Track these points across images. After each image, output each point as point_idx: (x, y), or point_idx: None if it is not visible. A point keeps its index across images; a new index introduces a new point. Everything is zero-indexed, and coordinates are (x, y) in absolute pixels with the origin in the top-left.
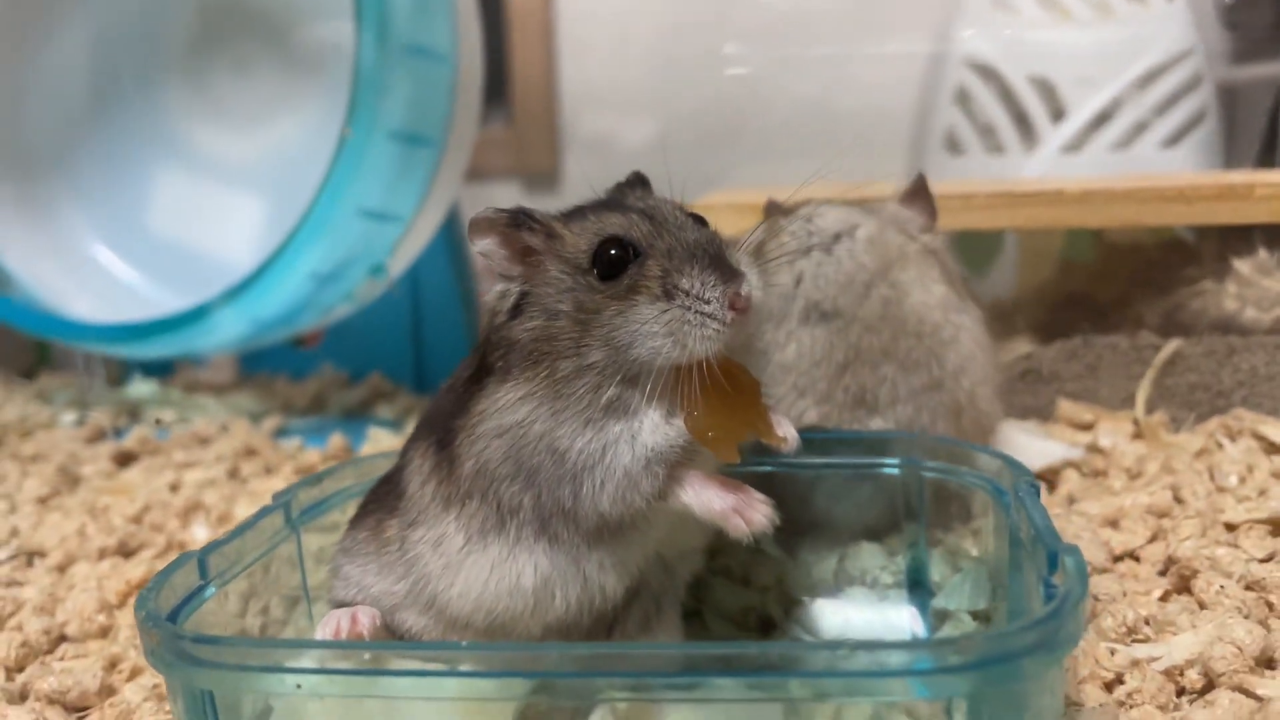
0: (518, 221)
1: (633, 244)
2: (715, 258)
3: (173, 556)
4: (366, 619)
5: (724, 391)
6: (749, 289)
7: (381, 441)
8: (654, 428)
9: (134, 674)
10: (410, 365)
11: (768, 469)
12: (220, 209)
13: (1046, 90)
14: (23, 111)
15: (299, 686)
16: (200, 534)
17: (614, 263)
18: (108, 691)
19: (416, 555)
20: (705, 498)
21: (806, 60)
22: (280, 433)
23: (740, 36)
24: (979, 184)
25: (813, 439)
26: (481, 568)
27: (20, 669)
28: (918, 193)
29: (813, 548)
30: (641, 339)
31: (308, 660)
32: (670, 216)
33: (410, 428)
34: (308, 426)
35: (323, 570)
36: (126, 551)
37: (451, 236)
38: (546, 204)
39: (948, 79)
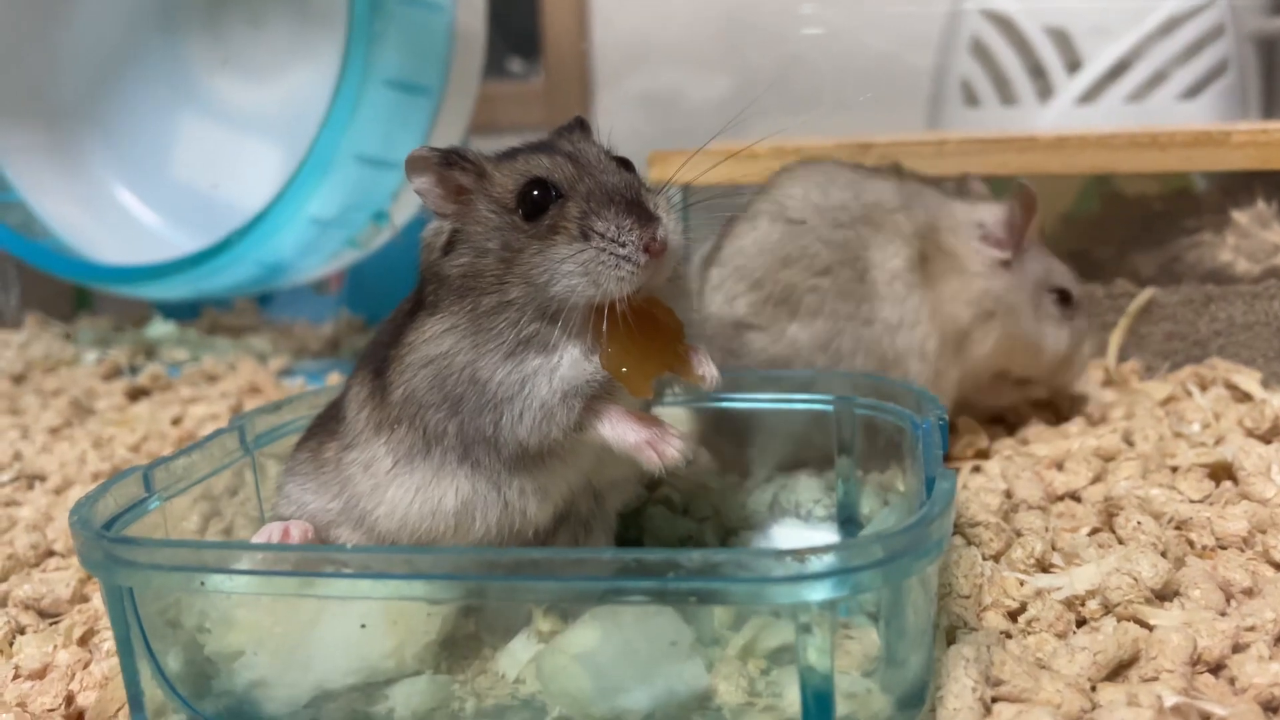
0: (450, 160)
1: (555, 186)
2: (633, 202)
3: None
4: (297, 531)
5: (641, 330)
6: (664, 233)
7: None
8: (572, 363)
9: None
10: None
11: (706, 406)
12: (239, 157)
13: (1063, 40)
14: (54, 64)
15: (202, 584)
16: None
17: (536, 203)
18: (80, 599)
19: (349, 476)
20: (620, 431)
21: (850, 12)
22: (286, 373)
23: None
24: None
25: (744, 377)
26: (407, 489)
27: (4, 579)
28: (1017, 208)
29: (752, 480)
30: (559, 277)
31: (227, 562)
32: (595, 160)
33: None
34: (316, 368)
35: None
36: None
37: None
38: None
39: (965, 30)
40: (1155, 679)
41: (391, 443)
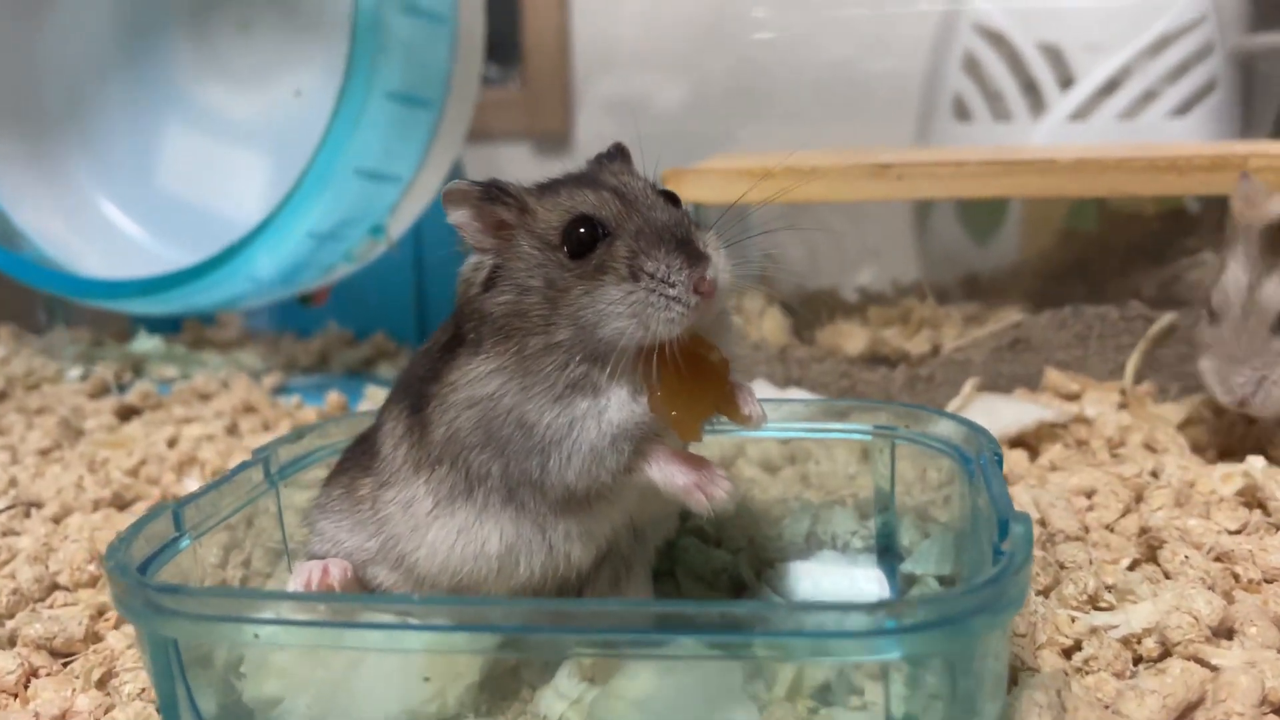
0: (491, 195)
1: (602, 223)
2: (682, 240)
3: None
4: (337, 571)
5: (689, 372)
6: (714, 273)
7: (379, 400)
8: (620, 405)
9: (119, 622)
10: (413, 325)
11: (741, 436)
12: (228, 168)
13: (1055, 57)
14: (34, 71)
15: (256, 636)
16: (193, 488)
17: (583, 242)
18: (93, 638)
19: (387, 515)
20: (669, 473)
21: (827, 22)
22: (280, 390)
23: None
24: (971, 151)
25: (782, 404)
26: (449, 531)
27: (10, 615)
28: None
29: (785, 510)
30: (607, 319)
31: (272, 611)
32: (641, 196)
33: None
34: (309, 384)
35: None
36: (121, 504)
37: None
38: (556, 166)
39: (957, 45)
40: None
41: (432, 482)
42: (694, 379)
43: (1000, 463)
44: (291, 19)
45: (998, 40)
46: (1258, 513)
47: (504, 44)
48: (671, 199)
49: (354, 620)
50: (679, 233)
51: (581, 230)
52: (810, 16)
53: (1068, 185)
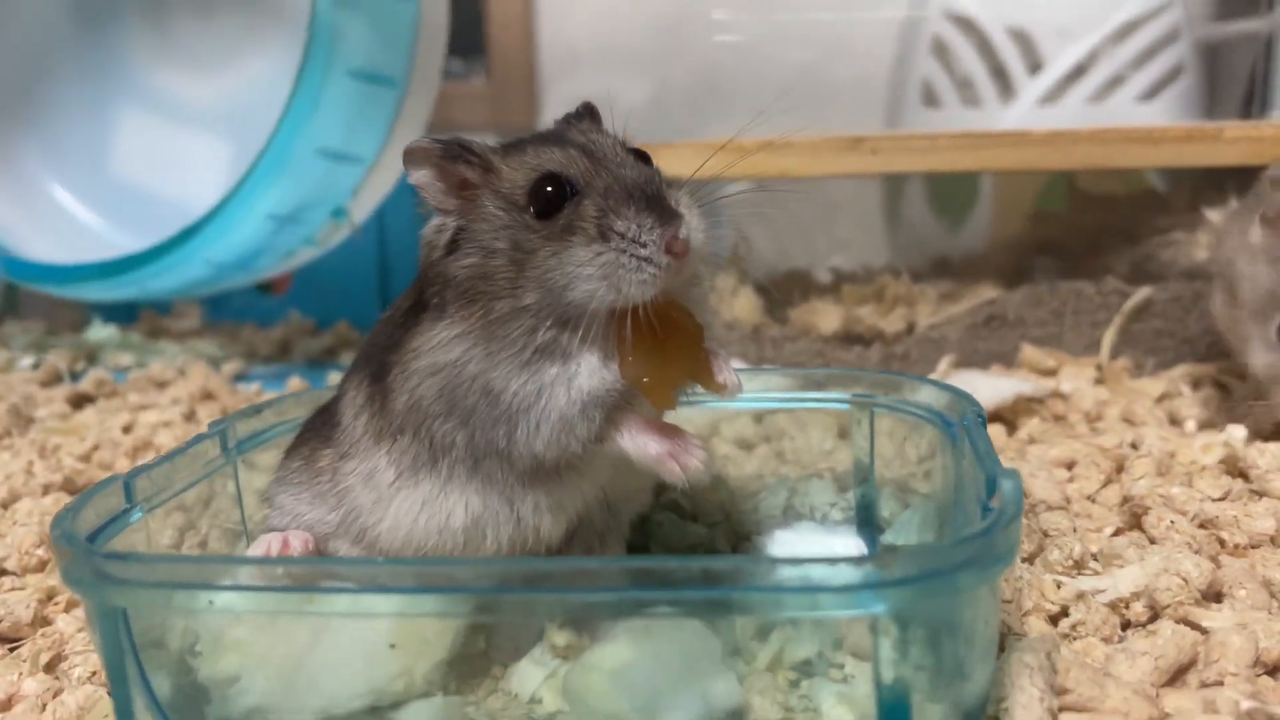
0: (453, 153)
1: (569, 181)
2: (653, 198)
3: None
4: (298, 542)
5: (662, 337)
6: (687, 232)
7: None
8: (591, 371)
9: (69, 606)
10: (377, 313)
11: (715, 406)
12: (184, 153)
13: (1024, 42)
14: None
15: (211, 603)
16: None
17: (550, 201)
18: (41, 622)
19: (348, 487)
20: (641, 442)
21: (790, 23)
22: (240, 378)
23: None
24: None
25: (757, 375)
26: (412, 503)
27: None
28: None
29: (761, 485)
30: (576, 282)
31: (229, 579)
32: (610, 153)
33: None
34: (270, 373)
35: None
36: (73, 489)
37: None
38: None
39: (926, 31)
40: (1219, 683)
41: (394, 453)
42: (667, 344)
43: (984, 422)
44: (252, 2)
45: (967, 25)
46: (1239, 481)
47: (468, 37)
48: (642, 157)
49: (316, 585)
50: (649, 190)
51: (548, 189)
52: (771, 19)
53: (1041, 158)
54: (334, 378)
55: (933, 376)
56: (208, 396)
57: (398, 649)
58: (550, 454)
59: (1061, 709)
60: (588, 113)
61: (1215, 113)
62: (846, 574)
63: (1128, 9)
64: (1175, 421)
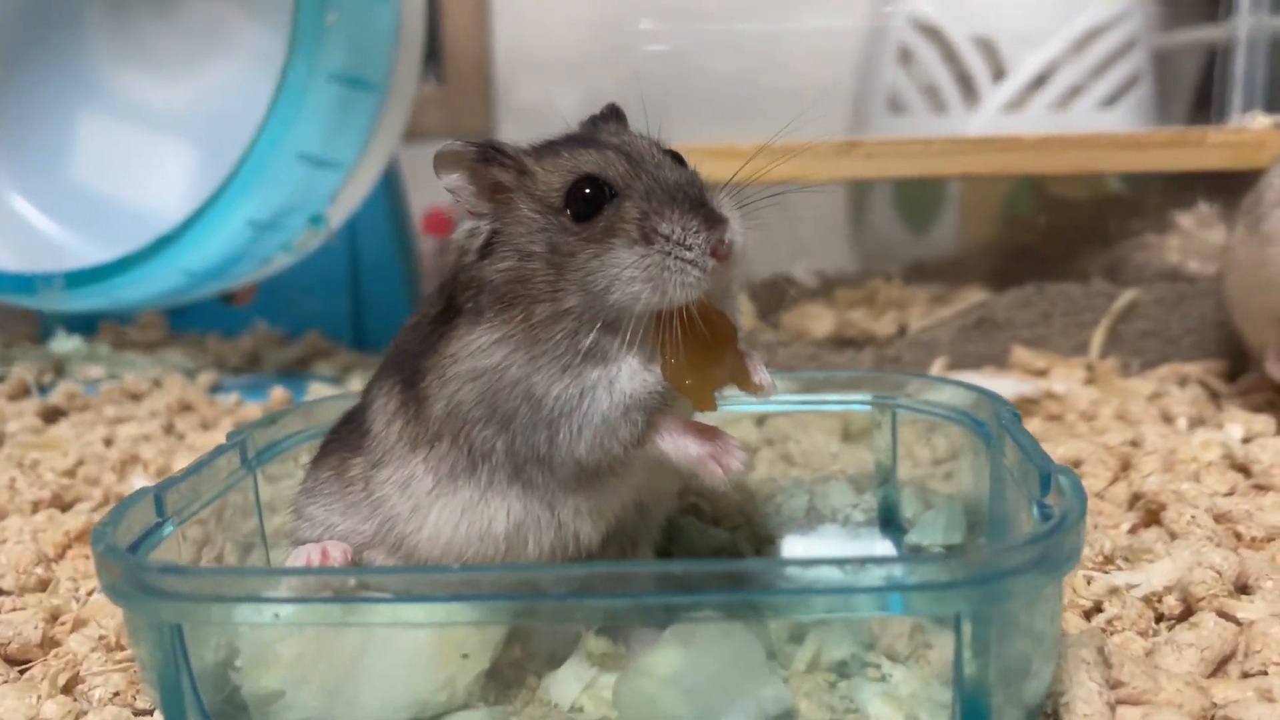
0: (487, 156)
1: (608, 183)
2: (697, 201)
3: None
4: (338, 553)
5: (702, 338)
6: (732, 235)
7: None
8: (632, 374)
9: (77, 625)
10: (349, 322)
11: (741, 409)
12: (148, 159)
13: (988, 49)
14: None
15: (276, 616)
16: (140, 485)
17: (588, 203)
18: (50, 643)
19: (383, 496)
20: (681, 445)
21: (732, 35)
22: (215, 389)
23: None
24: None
25: (784, 377)
26: (451, 511)
27: None
28: None
29: (777, 488)
30: (619, 284)
31: (289, 589)
32: (648, 154)
33: (351, 385)
34: (244, 384)
35: (276, 518)
36: (62, 505)
37: (391, 189)
38: None
39: (891, 39)
40: (1263, 673)
41: (431, 460)
42: (708, 346)
43: (1019, 420)
44: (220, 4)
45: (932, 33)
46: (1241, 476)
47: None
48: (678, 159)
49: (380, 595)
50: (692, 192)
51: (586, 191)
52: (700, 29)
53: (1035, 162)
54: (315, 388)
55: None
56: (186, 408)
57: (440, 659)
58: (592, 458)
59: (1117, 702)
60: (613, 114)
61: (1166, 120)
62: (932, 572)
63: (1087, 18)
64: (1168, 419)
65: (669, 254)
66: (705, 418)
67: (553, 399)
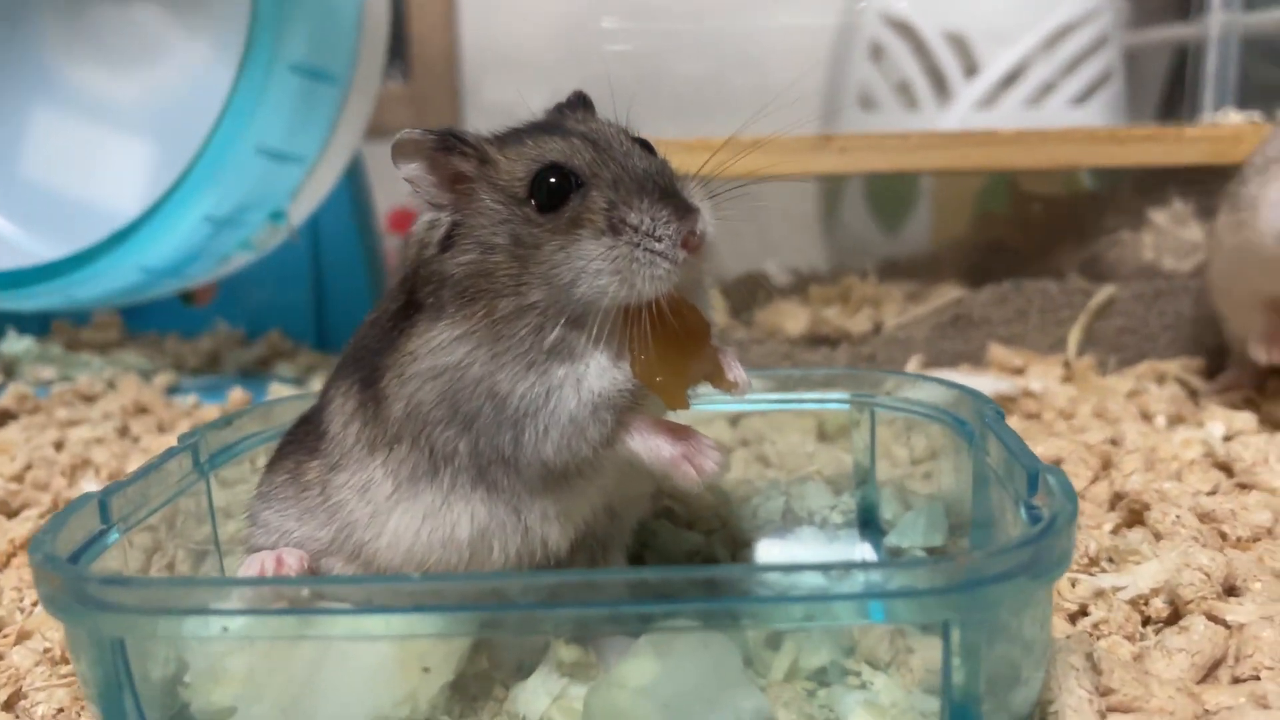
0: (447, 145)
1: (574, 172)
2: (667, 190)
3: None
4: (293, 560)
5: (673, 334)
6: (704, 226)
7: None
8: (600, 371)
9: (21, 638)
10: (311, 322)
11: (715, 409)
12: (102, 153)
13: (960, 46)
14: None
15: (225, 630)
16: (91, 490)
17: (554, 193)
18: None
19: (340, 501)
20: (653, 445)
21: (701, 33)
22: (173, 390)
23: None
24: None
25: (759, 375)
26: (412, 517)
27: None
28: None
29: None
30: (586, 277)
31: (232, 603)
32: (616, 142)
33: (314, 386)
34: (203, 385)
35: (231, 524)
36: (8, 511)
37: (355, 186)
38: None
39: (863, 35)
40: (1255, 678)
41: (390, 464)
42: (679, 342)
43: (1003, 418)
44: None
45: (904, 29)
46: (1222, 474)
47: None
48: (647, 147)
49: (340, 606)
50: (662, 182)
51: (551, 180)
52: (668, 27)
53: (1016, 156)
54: (276, 389)
55: None
56: (141, 410)
57: (402, 673)
58: (559, 459)
59: (1108, 710)
60: (581, 102)
61: (1137, 118)
62: (919, 578)
63: (1059, 15)
64: (1147, 417)
65: (638, 245)
66: (678, 416)
67: (517, 398)
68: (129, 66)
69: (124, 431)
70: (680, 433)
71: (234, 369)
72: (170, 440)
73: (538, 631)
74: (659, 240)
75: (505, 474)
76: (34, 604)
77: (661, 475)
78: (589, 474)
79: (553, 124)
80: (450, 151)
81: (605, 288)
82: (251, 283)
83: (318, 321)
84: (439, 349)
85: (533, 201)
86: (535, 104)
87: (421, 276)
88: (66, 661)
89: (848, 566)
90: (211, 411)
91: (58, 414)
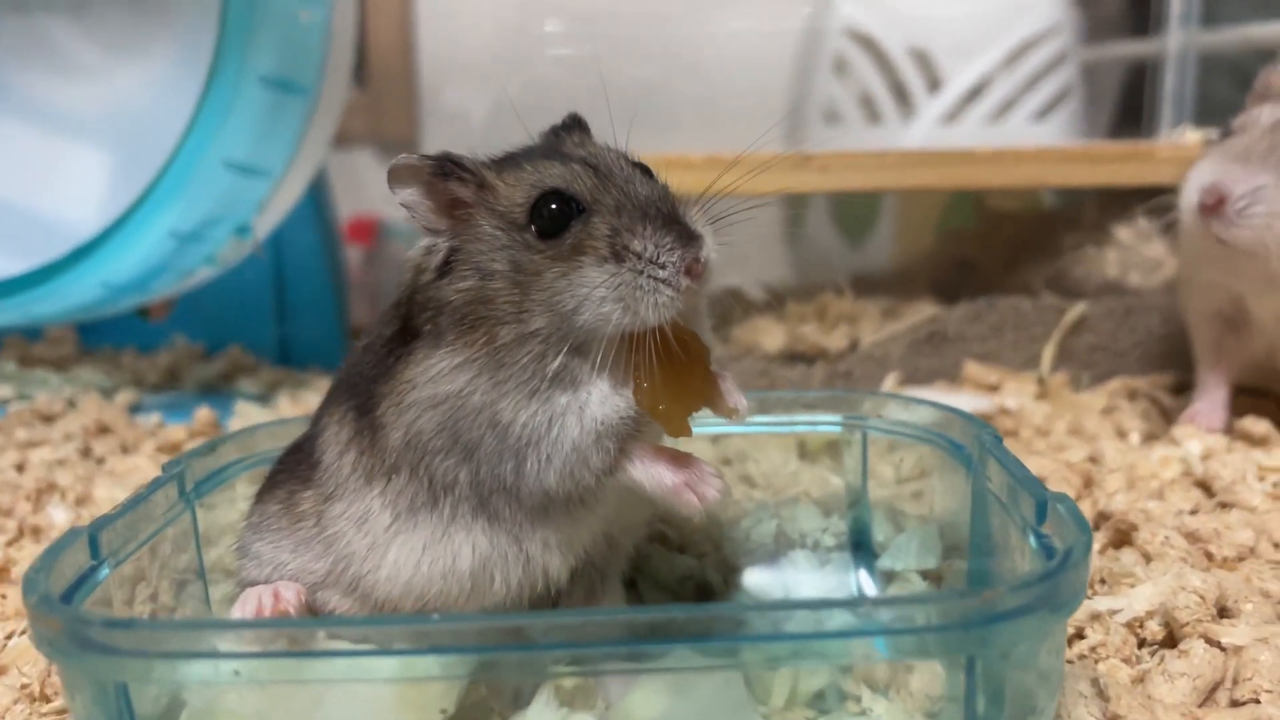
0: (445, 170)
1: (575, 198)
2: (670, 217)
3: (27, 542)
4: (291, 594)
5: (675, 361)
6: (707, 253)
7: (251, 416)
8: (603, 399)
9: None
10: (273, 337)
11: (708, 430)
12: (57, 165)
13: (924, 61)
14: None
15: (237, 674)
16: (59, 516)
17: (555, 219)
18: None
19: (337, 533)
20: (655, 473)
21: (650, 41)
22: (135, 409)
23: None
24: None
25: (750, 397)
26: (412, 548)
27: None
28: None
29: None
30: (589, 305)
31: (239, 645)
32: (616, 167)
33: (279, 403)
34: (165, 403)
35: (213, 551)
36: None
37: (317, 197)
38: None
39: (826, 48)
40: (1255, 700)
41: (389, 494)
42: (681, 369)
43: (1001, 442)
44: (135, 4)
45: (868, 43)
46: (1201, 493)
47: None
48: (646, 172)
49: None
50: (665, 208)
51: (552, 206)
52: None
53: (996, 175)
54: (242, 407)
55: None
56: (104, 430)
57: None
58: (562, 488)
59: None
60: (576, 124)
61: (1091, 133)
62: (944, 613)
63: (1020, 31)
64: (1121, 434)
65: (641, 273)
66: (678, 443)
67: (520, 426)
68: (86, 76)
69: (86, 452)
70: (681, 460)
71: (194, 385)
72: (136, 461)
73: (541, 674)
74: (663, 267)
75: (507, 503)
76: (8, 637)
77: (663, 503)
78: (590, 502)
79: (550, 148)
80: (448, 177)
81: (609, 315)
82: (210, 296)
83: (280, 336)
84: (439, 377)
85: (533, 227)
86: (480, 111)
87: (418, 302)
88: (47, 699)
89: (875, 602)
90: (177, 431)
91: (17, 434)
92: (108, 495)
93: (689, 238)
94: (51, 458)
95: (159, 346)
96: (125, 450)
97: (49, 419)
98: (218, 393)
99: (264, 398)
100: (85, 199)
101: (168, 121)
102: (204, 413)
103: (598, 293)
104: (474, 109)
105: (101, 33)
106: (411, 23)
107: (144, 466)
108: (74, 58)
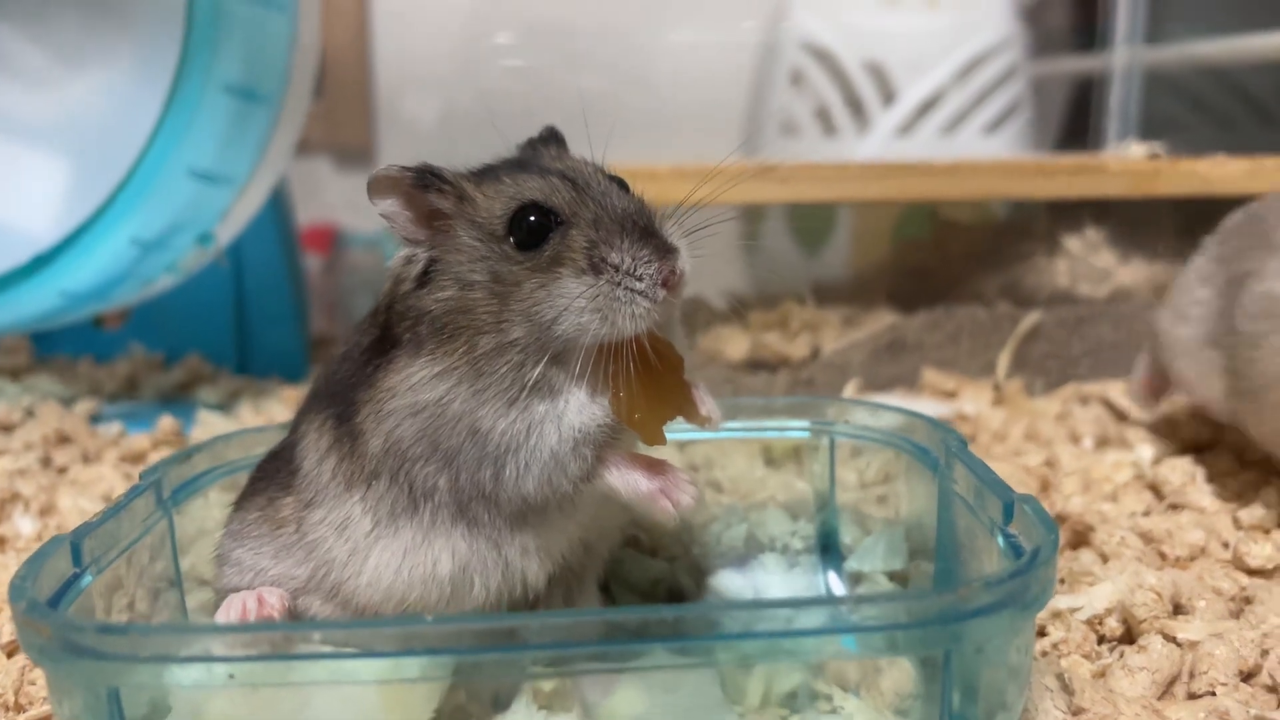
0: (424, 182)
1: (554, 211)
2: (647, 230)
3: None
4: (275, 599)
5: (651, 370)
6: (683, 265)
7: (213, 426)
8: (580, 408)
9: None
10: (232, 346)
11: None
12: (12, 174)
13: (878, 74)
14: None
15: (232, 677)
16: (26, 527)
17: (533, 231)
18: None
19: (318, 539)
20: (631, 480)
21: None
22: (95, 418)
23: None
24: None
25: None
26: (392, 554)
27: None
28: None
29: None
30: (567, 315)
31: (226, 648)
32: (594, 180)
33: (240, 413)
34: (125, 412)
35: (186, 559)
36: None
37: (278, 205)
38: (359, 181)
39: (783, 61)
40: (1211, 693)
41: (369, 500)
42: (655, 378)
43: (966, 445)
44: (92, 10)
45: (824, 57)
46: (1152, 495)
47: None
48: (623, 185)
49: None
50: (642, 221)
51: (531, 219)
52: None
53: (955, 187)
54: (204, 416)
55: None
56: (64, 440)
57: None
58: (540, 494)
59: None
60: (553, 137)
61: (1039, 146)
62: (920, 610)
63: (972, 45)
64: (1075, 439)
65: (618, 284)
66: (653, 450)
67: (499, 434)
68: (42, 83)
69: (47, 462)
70: (656, 467)
71: (153, 394)
72: (99, 471)
73: (521, 675)
74: (639, 279)
75: (486, 510)
76: None
77: (639, 509)
78: (568, 509)
79: (528, 161)
80: (427, 189)
81: (586, 325)
82: (167, 304)
83: (239, 345)
84: (419, 385)
85: (511, 239)
86: (429, 119)
87: (397, 311)
88: (21, 708)
89: (855, 601)
90: (139, 440)
91: None
92: (73, 505)
93: (665, 250)
94: (12, 467)
95: (115, 355)
96: (87, 460)
97: (8, 428)
98: (177, 402)
99: (225, 407)
100: (42, 207)
101: (128, 129)
102: (167, 421)
103: (576, 304)
104: (429, 118)
105: (58, 40)
106: (367, 32)
107: (109, 476)
108: (29, 65)
